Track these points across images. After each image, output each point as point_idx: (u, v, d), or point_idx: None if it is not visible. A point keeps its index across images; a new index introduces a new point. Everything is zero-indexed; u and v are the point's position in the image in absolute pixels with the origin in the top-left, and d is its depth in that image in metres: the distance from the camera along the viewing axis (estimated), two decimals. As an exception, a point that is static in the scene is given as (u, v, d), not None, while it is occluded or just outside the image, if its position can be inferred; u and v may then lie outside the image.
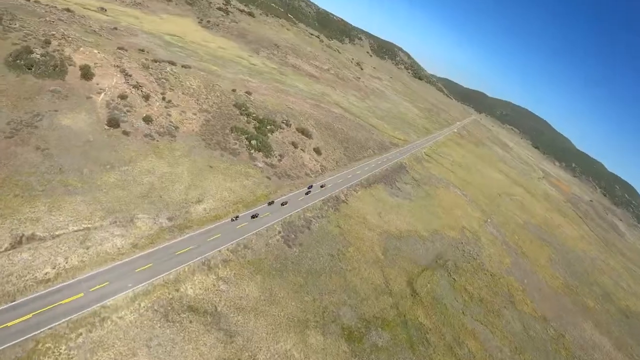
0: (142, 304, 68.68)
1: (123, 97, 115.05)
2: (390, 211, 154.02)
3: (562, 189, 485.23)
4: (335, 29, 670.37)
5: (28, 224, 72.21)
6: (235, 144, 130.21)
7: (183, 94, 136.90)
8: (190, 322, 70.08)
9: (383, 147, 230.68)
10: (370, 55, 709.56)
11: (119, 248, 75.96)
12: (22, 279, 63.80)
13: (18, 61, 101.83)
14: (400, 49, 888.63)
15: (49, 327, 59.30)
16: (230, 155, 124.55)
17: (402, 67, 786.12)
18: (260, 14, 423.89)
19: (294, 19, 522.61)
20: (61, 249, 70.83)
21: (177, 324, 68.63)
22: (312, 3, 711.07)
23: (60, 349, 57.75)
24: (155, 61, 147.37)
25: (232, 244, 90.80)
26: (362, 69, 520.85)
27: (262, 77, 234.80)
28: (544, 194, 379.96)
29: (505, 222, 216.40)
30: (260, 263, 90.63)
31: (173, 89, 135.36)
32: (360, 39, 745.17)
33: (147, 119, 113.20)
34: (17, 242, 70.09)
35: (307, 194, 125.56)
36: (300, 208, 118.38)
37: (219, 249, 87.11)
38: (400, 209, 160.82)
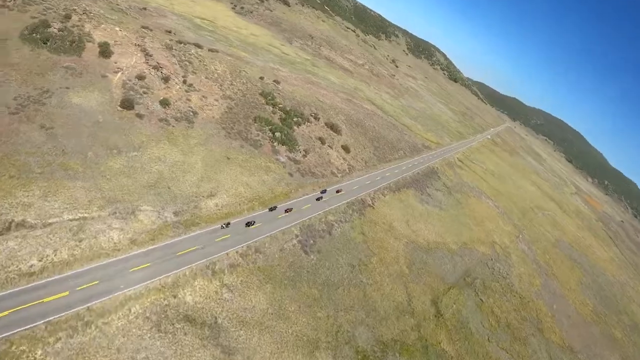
0: (133, 309, 61.39)
1: (141, 77, 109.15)
2: (419, 219, 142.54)
3: (593, 207, 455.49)
4: (372, 25, 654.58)
5: (19, 209, 66.72)
6: (258, 135, 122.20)
7: (206, 78, 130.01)
8: (185, 334, 62.15)
9: (415, 149, 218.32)
10: (406, 54, 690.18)
11: (115, 243, 69.03)
12: (5, 270, 58.08)
13: (34, 35, 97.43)
14: (437, 49, 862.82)
15: (26, 327, 53.25)
16: (251, 147, 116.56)
17: (438, 67, 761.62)
18: (296, 4, 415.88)
19: (330, 12, 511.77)
20: (51, 240, 64.78)
21: (170, 336, 60.90)
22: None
23: (36, 353, 51.44)
24: (180, 42, 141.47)
25: (242, 247, 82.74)
26: (397, 67, 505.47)
27: (293, 67, 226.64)
28: (576, 211, 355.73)
29: (536, 239, 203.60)
30: (272, 270, 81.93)
31: (196, 73, 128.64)
32: (396, 36, 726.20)
33: (164, 103, 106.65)
34: (5, 229, 64.57)
35: (318, 199, 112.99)
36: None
37: (226, 252, 79.12)
38: (430, 218, 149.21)
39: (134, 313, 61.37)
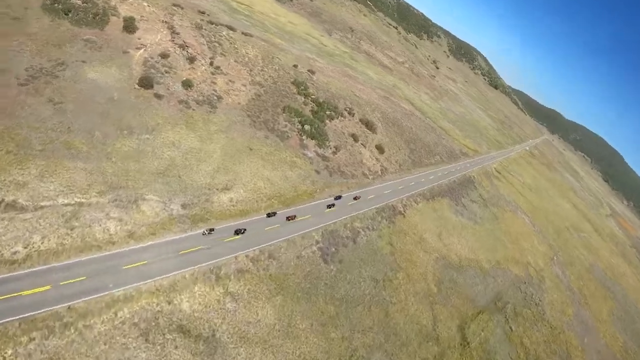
0: (120, 314, 54.19)
1: (164, 55, 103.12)
2: (452, 232, 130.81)
3: (628, 231, 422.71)
4: (415, 23, 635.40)
5: (12, 187, 61.45)
6: (286, 126, 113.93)
7: (235, 61, 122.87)
8: (176, 347, 54.42)
9: (452, 155, 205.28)
10: (447, 56, 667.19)
11: (110, 235, 62.34)
12: None
13: (56, 5, 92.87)
14: (479, 54, 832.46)
15: (-3, 322, 46.74)
16: (277, 138, 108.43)
17: (479, 72, 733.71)
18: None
19: (372, 6, 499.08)
20: (40, 225, 59.05)
21: (158, 347, 53.31)
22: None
23: (6, 352, 45.72)
24: (212, 23, 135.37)
25: (254, 250, 74.22)
26: (437, 68, 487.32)
27: (330, 59, 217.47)
28: (611, 234, 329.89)
29: (571, 262, 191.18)
30: (285, 280, 73.13)
31: (225, 55, 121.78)
32: (439, 36, 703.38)
33: (187, 84, 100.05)
34: None
35: (329, 207, 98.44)
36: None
37: (235, 254, 70.99)
38: (464, 232, 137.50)
39: (121, 318, 54.25)
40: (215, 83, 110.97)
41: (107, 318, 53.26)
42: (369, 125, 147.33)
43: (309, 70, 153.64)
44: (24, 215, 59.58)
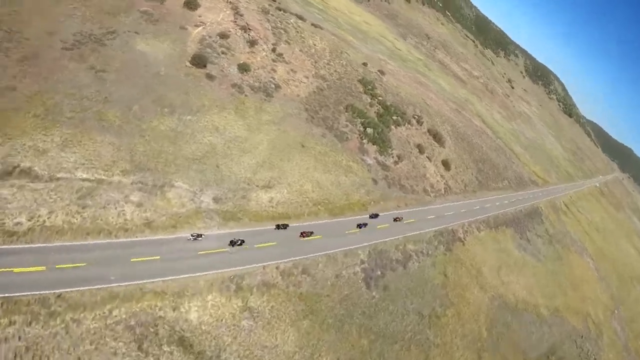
0: (116, 312, 46.90)
1: (224, 36, 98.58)
2: (513, 269, 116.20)
3: None
4: (492, 39, 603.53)
5: (30, 153, 57.04)
6: (347, 126, 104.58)
7: (300, 51, 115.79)
8: (172, 364, 44.80)
9: (521, 181, 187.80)
10: (523, 76, 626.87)
11: (125, 220, 55.66)
12: None
13: None
14: (556, 78, 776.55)
15: (-21, 299, 41.88)
16: (335, 138, 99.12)
17: (554, 97, 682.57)
18: (416, 1, 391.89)
19: (451, 17, 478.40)
20: (51, 198, 53.85)
21: (151, 359, 43.84)
22: (473, 5, 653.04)
23: None
24: (280, 10, 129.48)
25: (287, 262, 63.92)
26: (512, 88, 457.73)
27: (403, 64, 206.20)
28: None
29: (632, 319, 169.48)
30: (317, 301, 62.44)
31: (289, 43, 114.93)
32: (516, 55, 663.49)
33: (244, 68, 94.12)
34: (6, 173, 54.37)
35: (360, 226, 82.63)
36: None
37: (264, 264, 61.01)
38: (524, 269, 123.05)
39: (116, 317, 47.06)
40: (274, 70, 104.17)
41: (99, 314, 46.04)
42: (437, 137, 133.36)
43: (379, 71, 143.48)
44: (36, 184, 54.63)
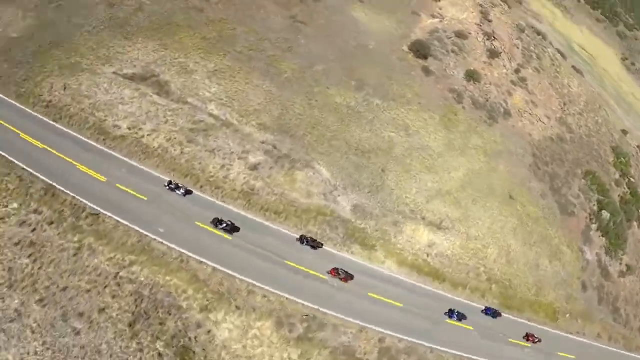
0: (135, 269, 40.09)
1: (460, 35, 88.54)
2: None
3: None
4: None
5: (175, 69, 54.94)
6: (578, 197, 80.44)
7: (549, 85, 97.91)
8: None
9: None
10: None
11: (225, 176, 47.52)
12: (83, 110, 47.69)
13: None
14: None
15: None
16: (556, 205, 76.01)
17: None
18: None
19: None
20: (164, 117, 49.23)
21: None
22: None
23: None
24: (539, 34, 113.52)
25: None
26: None
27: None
28: None
29: None
30: None
31: (539, 71, 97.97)
32: None
33: (472, 76, 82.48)
34: (141, 78, 52.42)
35: (529, 339, 54.59)
36: None
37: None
38: None
39: (131, 274, 39.20)
40: (510, 94, 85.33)
41: (117, 260, 38.42)
42: None
43: (638, 146, 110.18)
44: (161, 99, 52.17)
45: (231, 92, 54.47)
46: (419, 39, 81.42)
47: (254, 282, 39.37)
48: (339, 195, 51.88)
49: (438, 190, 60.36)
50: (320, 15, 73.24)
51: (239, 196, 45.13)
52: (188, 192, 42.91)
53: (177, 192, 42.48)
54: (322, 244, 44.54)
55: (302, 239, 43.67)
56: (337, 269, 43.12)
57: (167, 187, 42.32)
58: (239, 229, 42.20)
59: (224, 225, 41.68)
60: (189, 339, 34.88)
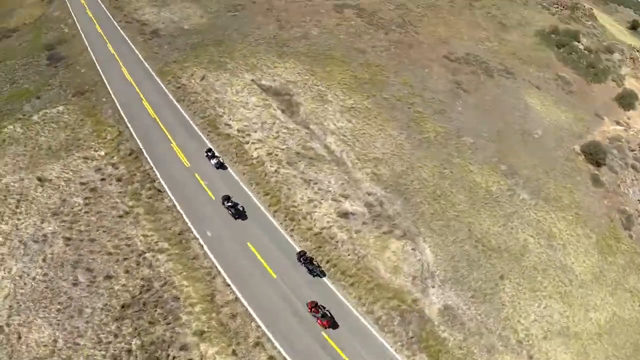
0: None
1: None
2: None
3: None
4: None
5: (312, 97, 55.05)
6: None
7: None
8: None
9: None
10: None
11: (304, 210, 43.18)
12: (207, 101, 50.99)
13: (553, 35, 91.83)
14: None
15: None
16: None
17: None
18: None
19: None
20: (277, 133, 48.98)
21: None
22: None
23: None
24: None
25: None
26: None
27: None
28: None
29: None
30: None
31: None
32: None
33: None
34: (275, 92, 54.20)
35: None
36: None
37: None
38: None
39: None
40: None
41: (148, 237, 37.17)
42: None
43: None
44: (283, 115, 51.73)
45: (358, 133, 51.05)
46: (595, 141, 69.81)
47: (270, 336, 31.81)
48: (432, 287, 41.26)
49: (565, 328, 45.36)
50: (488, 90, 68.16)
51: (310, 238, 38.59)
52: (222, 165, 42.00)
53: (211, 161, 41.78)
54: (325, 274, 35.58)
55: (300, 256, 34.75)
56: (316, 304, 31.84)
57: (206, 156, 42.67)
58: (247, 217, 38.22)
59: (231, 204, 37.37)
60: (167, 355, 29.50)
